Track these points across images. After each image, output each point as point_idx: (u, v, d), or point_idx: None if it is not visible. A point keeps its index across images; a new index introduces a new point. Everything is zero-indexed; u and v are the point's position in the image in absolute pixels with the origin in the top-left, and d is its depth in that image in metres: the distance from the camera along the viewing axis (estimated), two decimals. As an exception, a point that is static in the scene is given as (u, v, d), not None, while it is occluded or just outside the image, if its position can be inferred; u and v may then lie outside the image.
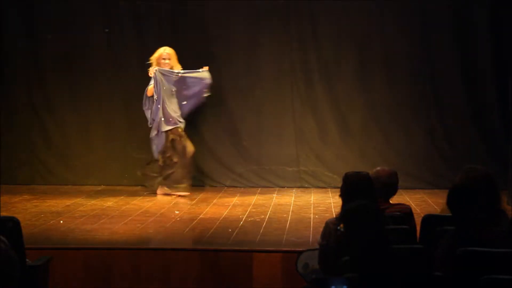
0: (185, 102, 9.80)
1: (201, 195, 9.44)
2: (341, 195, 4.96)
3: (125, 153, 10.63)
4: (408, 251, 4.28)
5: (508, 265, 3.92)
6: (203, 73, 9.81)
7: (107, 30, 10.58)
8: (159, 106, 9.60)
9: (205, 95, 9.89)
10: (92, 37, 10.60)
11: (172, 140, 9.64)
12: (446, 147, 10.35)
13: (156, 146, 9.71)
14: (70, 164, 10.63)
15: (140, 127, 10.62)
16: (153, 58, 9.64)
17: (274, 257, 6.37)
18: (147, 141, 10.62)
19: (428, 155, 10.36)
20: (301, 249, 6.25)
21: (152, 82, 9.62)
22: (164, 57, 9.61)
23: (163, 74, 9.61)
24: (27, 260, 5.06)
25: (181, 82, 9.70)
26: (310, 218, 8.03)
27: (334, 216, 5.14)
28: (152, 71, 9.58)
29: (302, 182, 10.45)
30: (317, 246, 4.89)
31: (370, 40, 10.40)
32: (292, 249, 6.45)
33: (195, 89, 9.83)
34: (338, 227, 4.47)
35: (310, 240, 6.77)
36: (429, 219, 4.98)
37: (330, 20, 10.45)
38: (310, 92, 10.48)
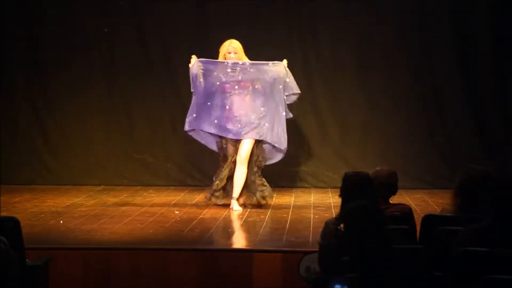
0: (263, 108, 8.48)
1: (201, 195, 9.42)
2: (341, 195, 4.95)
3: (125, 153, 10.64)
4: (408, 251, 4.28)
5: (508, 265, 3.92)
6: (274, 66, 8.50)
7: (106, 30, 10.58)
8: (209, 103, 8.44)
9: (289, 97, 8.49)
10: (92, 37, 10.60)
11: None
12: (446, 147, 10.35)
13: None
14: (70, 164, 10.62)
15: (140, 127, 10.65)
16: (220, 52, 8.56)
17: (274, 257, 6.36)
18: (147, 141, 10.64)
19: (428, 155, 10.36)
20: (301, 249, 6.27)
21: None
22: (230, 51, 8.49)
23: (208, 64, 8.49)
24: (27, 260, 5.06)
25: (247, 77, 8.44)
26: (310, 218, 8.03)
27: (334, 216, 5.13)
28: (192, 61, 8.49)
29: (302, 182, 10.46)
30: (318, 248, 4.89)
31: (370, 40, 10.41)
32: (292, 249, 6.45)
33: (268, 86, 8.46)
34: (338, 227, 4.47)
35: (310, 240, 6.76)
36: (429, 219, 4.97)
37: (329, 21, 10.46)
38: (310, 92, 10.47)
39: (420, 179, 10.18)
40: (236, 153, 8.43)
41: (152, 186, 10.28)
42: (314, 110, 10.51)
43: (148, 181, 10.47)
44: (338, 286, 3.86)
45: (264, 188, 8.56)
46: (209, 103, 8.48)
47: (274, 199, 8.84)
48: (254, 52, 10.01)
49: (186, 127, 8.60)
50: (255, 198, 8.52)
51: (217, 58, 8.62)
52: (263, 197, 8.52)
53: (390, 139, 10.45)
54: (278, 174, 10.39)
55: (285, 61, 8.56)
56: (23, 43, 10.66)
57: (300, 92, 8.57)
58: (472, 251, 3.97)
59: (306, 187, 10.36)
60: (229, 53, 8.52)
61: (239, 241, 7.25)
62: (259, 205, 8.49)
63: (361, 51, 10.42)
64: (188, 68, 8.55)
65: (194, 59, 8.50)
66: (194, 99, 8.56)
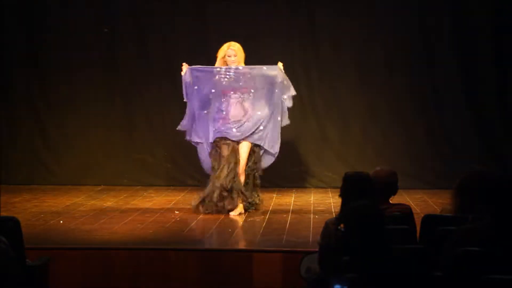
0: (259, 112, 8.22)
1: (201, 195, 9.42)
2: (341, 195, 4.95)
3: (125, 153, 10.64)
4: (408, 251, 4.28)
5: (508, 265, 3.92)
6: (270, 70, 8.22)
7: (106, 30, 10.58)
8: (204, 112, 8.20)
9: (285, 99, 8.24)
10: (92, 37, 10.60)
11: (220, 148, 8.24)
12: (446, 147, 10.35)
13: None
14: (70, 164, 10.63)
15: (140, 127, 10.65)
16: (218, 56, 8.27)
17: (274, 257, 6.37)
18: (147, 141, 10.65)
19: (428, 155, 10.36)
20: (301, 249, 6.27)
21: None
22: (229, 54, 8.17)
23: (201, 72, 8.24)
24: (27, 260, 5.06)
25: (242, 82, 8.19)
26: (310, 218, 8.03)
27: (334, 216, 5.13)
28: (183, 70, 8.23)
29: (302, 182, 10.46)
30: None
31: (370, 41, 10.41)
32: (292, 249, 6.46)
33: (264, 91, 8.22)
34: (338, 227, 4.47)
35: (310, 240, 6.77)
36: (429, 219, 4.97)
37: (330, 21, 10.46)
38: (310, 92, 10.49)
39: (420, 179, 10.18)
40: (232, 156, 8.13)
41: (152, 186, 10.28)
42: (314, 110, 10.51)
43: (148, 181, 10.47)
44: (338, 286, 3.86)
45: (255, 196, 8.38)
46: (205, 111, 8.24)
47: (273, 201, 8.70)
48: (253, 52, 10.04)
49: (188, 137, 8.40)
50: (245, 203, 8.28)
51: (215, 60, 8.42)
52: (253, 204, 8.33)
53: (390, 139, 10.44)
54: (278, 174, 10.39)
55: (280, 64, 8.31)
56: (23, 43, 10.66)
57: (295, 93, 8.37)
58: (472, 251, 3.97)
59: (306, 187, 10.36)
60: (229, 56, 8.21)
61: (239, 241, 7.25)
62: (255, 209, 8.34)
63: (361, 51, 10.42)
64: (180, 76, 8.33)
65: (185, 67, 8.24)
66: (189, 108, 8.29)
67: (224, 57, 8.24)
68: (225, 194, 8.09)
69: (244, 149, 8.24)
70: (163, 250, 6.51)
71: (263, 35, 10.38)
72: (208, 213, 8.11)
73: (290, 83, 8.32)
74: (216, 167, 8.24)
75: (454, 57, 10.33)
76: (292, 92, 8.31)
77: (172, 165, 10.57)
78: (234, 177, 8.13)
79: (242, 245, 7.02)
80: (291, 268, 5.97)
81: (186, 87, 8.26)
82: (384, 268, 3.90)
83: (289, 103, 8.35)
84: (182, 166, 10.55)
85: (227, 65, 8.23)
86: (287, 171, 10.42)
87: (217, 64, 8.26)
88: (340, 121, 10.53)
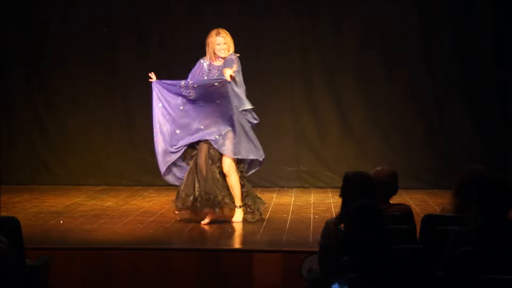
0: (227, 127, 7.63)
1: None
2: (341, 195, 4.95)
3: (125, 153, 10.64)
4: (408, 251, 4.28)
5: (508, 265, 3.92)
6: (220, 87, 7.54)
7: (106, 30, 10.58)
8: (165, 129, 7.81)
9: (246, 115, 7.65)
10: (92, 37, 10.60)
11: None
12: (446, 147, 10.35)
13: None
14: (70, 164, 10.63)
15: (140, 127, 10.64)
16: (208, 46, 7.72)
17: (274, 257, 6.37)
18: (147, 141, 10.63)
19: (428, 155, 10.36)
20: (301, 249, 6.27)
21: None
22: (219, 42, 7.68)
23: (166, 87, 7.81)
24: (27, 260, 5.06)
25: (202, 97, 7.71)
26: (310, 218, 8.03)
27: (334, 216, 5.13)
28: (152, 78, 7.80)
29: (302, 182, 10.45)
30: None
31: (370, 40, 10.40)
32: (292, 249, 6.46)
33: (221, 105, 7.61)
34: (338, 227, 4.47)
35: (310, 240, 6.77)
36: (429, 219, 4.97)
37: (330, 20, 10.45)
38: (310, 92, 10.48)
39: (420, 179, 10.18)
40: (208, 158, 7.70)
41: (152, 186, 10.27)
42: (314, 110, 10.51)
43: (148, 181, 10.46)
44: (338, 286, 3.87)
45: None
46: (178, 131, 7.80)
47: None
48: (253, 52, 10.05)
49: (163, 170, 8.00)
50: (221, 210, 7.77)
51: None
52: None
53: (390, 139, 10.44)
54: (278, 174, 10.41)
55: (227, 74, 7.51)
56: (23, 43, 10.66)
57: (252, 107, 7.69)
58: (472, 251, 3.97)
59: (306, 187, 10.35)
60: (218, 44, 7.67)
61: (239, 241, 7.24)
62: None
63: (361, 50, 10.41)
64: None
65: (152, 78, 7.79)
66: (157, 129, 7.83)
67: (212, 45, 7.72)
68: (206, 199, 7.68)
69: (226, 160, 7.67)
70: (163, 250, 6.51)
71: (263, 35, 10.38)
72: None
73: (243, 96, 7.68)
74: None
75: (454, 57, 10.33)
76: (247, 105, 7.67)
77: (172, 165, 10.54)
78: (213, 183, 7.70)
79: (242, 245, 7.01)
80: (291, 268, 5.98)
81: (153, 102, 7.82)
82: (384, 268, 3.90)
83: (251, 118, 7.73)
84: (181, 166, 10.54)
85: (216, 54, 7.70)
86: (287, 171, 10.42)
87: (207, 55, 7.76)
88: (340, 121, 10.52)
